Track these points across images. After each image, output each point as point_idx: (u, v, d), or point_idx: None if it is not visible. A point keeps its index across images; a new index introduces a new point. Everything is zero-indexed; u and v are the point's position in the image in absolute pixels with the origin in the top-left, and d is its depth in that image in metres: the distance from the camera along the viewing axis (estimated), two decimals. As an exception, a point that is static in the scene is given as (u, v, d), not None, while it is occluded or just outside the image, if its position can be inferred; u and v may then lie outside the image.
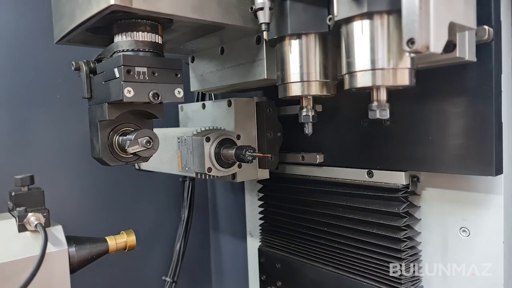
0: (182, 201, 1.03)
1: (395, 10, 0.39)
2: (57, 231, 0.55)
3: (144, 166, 0.85)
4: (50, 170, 0.85)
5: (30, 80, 0.83)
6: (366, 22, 0.42)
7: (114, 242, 0.63)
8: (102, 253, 0.61)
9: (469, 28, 0.43)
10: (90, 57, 0.57)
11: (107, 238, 0.63)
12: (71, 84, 0.85)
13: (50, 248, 0.52)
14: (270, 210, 0.87)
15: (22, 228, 0.53)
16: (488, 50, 0.51)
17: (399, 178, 0.62)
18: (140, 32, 0.50)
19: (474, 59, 0.50)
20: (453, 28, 0.41)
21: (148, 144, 0.52)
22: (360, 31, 0.42)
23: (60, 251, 0.53)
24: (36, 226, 0.50)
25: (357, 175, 0.68)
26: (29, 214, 0.52)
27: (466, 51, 0.48)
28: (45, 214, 0.53)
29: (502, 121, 0.52)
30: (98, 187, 0.93)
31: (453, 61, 0.49)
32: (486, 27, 0.49)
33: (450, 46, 0.47)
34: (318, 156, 0.72)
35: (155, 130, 0.58)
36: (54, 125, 0.86)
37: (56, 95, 0.86)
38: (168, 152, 0.76)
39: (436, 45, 0.37)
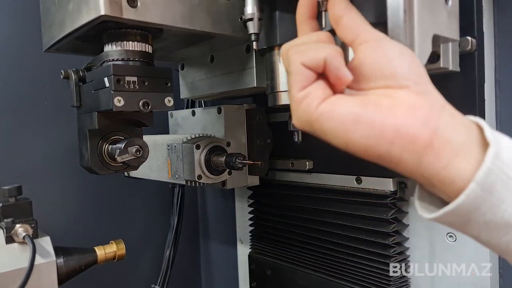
0: (171, 208, 1.02)
1: (381, 22, 0.40)
2: (45, 242, 0.54)
3: (134, 173, 0.84)
4: (37, 179, 0.84)
5: (17, 87, 0.82)
6: (353, 34, 0.43)
7: (103, 252, 0.62)
8: (91, 264, 0.60)
9: (453, 39, 0.44)
10: (78, 63, 0.57)
11: (95, 248, 0.62)
12: (59, 91, 0.84)
13: (38, 259, 0.51)
14: (260, 217, 0.88)
15: (9, 239, 0.53)
16: (471, 60, 0.52)
17: (387, 185, 0.63)
18: (130, 42, 0.50)
19: (458, 69, 0.51)
20: (437, 39, 0.43)
21: (138, 153, 0.52)
22: (348, 42, 0.43)
23: (48, 263, 0.52)
24: (24, 237, 0.50)
25: (346, 181, 0.69)
26: (17, 225, 0.51)
27: (450, 62, 0.49)
28: (33, 225, 0.52)
29: (486, 128, 0.54)
30: (86, 195, 0.92)
31: (438, 71, 0.51)
32: (469, 38, 0.51)
33: (434, 57, 0.48)
34: (307, 162, 0.73)
35: (145, 137, 0.58)
36: (41, 133, 0.85)
37: (43, 102, 0.85)
38: (158, 160, 0.76)
39: (421, 57, 0.38)
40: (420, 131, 0.30)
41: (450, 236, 0.60)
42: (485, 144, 0.30)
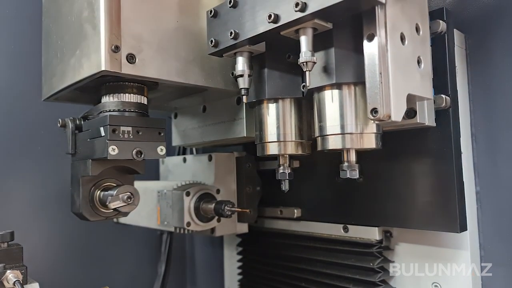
0: (159, 255, 1.01)
1: (360, 82, 0.44)
2: (34, 289, 0.54)
3: (123, 219, 0.84)
4: (26, 224, 0.83)
5: (13, 131, 0.83)
6: (335, 91, 0.46)
7: (88, 300, 0.61)
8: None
9: (427, 98, 0.48)
10: (72, 109, 0.59)
11: (80, 296, 0.61)
12: (53, 136, 0.86)
13: (27, 307, 0.50)
14: (249, 265, 0.87)
15: (0, 285, 0.52)
16: (446, 116, 0.56)
17: (372, 233, 0.64)
18: (127, 94, 0.53)
19: (434, 124, 0.55)
20: (412, 98, 0.46)
21: (129, 200, 0.53)
22: (330, 99, 0.47)
23: (36, 310, 0.51)
24: (14, 283, 0.50)
25: (334, 230, 0.69)
26: (8, 271, 0.51)
27: (426, 117, 0.53)
28: (23, 271, 0.53)
29: (464, 180, 0.56)
30: (75, 241, 0.90)
31: (415, 126, 0.54)
32: (443, 96, 0.55)
33: (411, 113, 0.51)
34: (295, 210, 0.74)
35: (136, 183, 0.60)
36: (33, 178, 0.85)
37: (37, 147, 0.86)
38: (148, 206, 0.77)
39: (396, 115, 0.41)
40: None
41: (436, 286, 0.60)
42: None
